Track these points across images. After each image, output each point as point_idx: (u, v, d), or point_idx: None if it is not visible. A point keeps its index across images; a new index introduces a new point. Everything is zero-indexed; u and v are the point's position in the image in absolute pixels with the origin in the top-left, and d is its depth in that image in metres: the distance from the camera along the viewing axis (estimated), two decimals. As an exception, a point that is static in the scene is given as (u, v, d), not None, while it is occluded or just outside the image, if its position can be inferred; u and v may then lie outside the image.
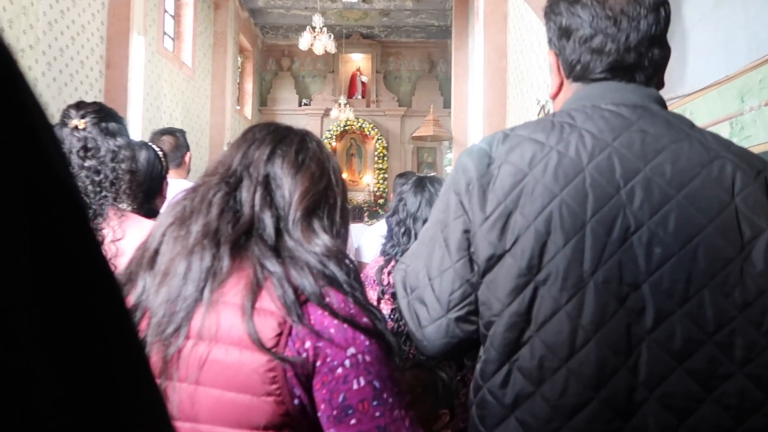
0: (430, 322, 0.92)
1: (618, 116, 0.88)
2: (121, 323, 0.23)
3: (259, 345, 0.74)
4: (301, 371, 0.75)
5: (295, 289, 0.77)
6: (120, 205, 1.46)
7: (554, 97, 1.02)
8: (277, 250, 0.81)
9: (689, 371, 0.79)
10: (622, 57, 0.91)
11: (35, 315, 0.18)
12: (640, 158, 0.84)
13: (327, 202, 0.88)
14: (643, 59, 0.91)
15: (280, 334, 0.74)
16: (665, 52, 0.93)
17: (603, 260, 0.81)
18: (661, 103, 0.92)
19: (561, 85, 0.99)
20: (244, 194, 0.85)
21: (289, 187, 0.85)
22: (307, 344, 0.75)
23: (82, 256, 0.21)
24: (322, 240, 0.83)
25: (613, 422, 0.79)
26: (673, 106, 2.83)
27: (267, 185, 0.85)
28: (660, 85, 0.96)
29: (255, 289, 0.76)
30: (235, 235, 0.81)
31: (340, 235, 0.91)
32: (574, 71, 0.95)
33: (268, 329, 0.74)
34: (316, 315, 0.76)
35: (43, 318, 0.19)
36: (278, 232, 0.82)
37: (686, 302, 0.79)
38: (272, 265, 0.78)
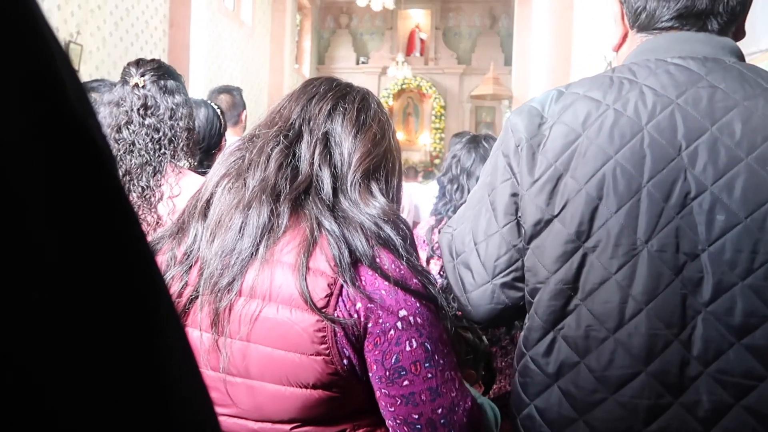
0: (476, 288, 0.90)
1: (684, 70, 0.81)
2: (140, 268, 0.22)
3: (310, 304, 0.73)
4: (352, 332, 0.75)
5: (349, 250, 0.76)
6: (178, 163, 1.50)
7: (617, 49, 0.95)
8: (333, 209, 0.80)
9: (749, 348, 0.74)
10: (693, 2, 0.83)
11: (50, 252, 0.18)
12: (706, 116, 0.77)
13: (386, 166, 0.87)
14: (717, 4, 0.83)
15: (330, 295, 0.74)
16: None
17: (659, 227, 0.76)
18: (738, 54, 0.84)
19: (625, 36, 0.92)
20: (303, 150, 0.83)
21: (348, 147, 0.84)
22: (359, 305, 0.74)
23: (99, 198, 0.21)
24: (379, 203, 0.81)
25: (663, 397, 0.76)
26: (756, 62, 2.61)
27: (326, 142, 0.84)
28: (740, 34, 0.87)
29: (309, 248, 0.76)
30: (295, 192, 0.80)
31: (396, 199, 0.90)
32: (638, 20, 0.88)
33: (318, 289, 0.74)
34: (368, 276, 0.76)
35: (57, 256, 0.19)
36: (334, 192, 0.81)
37: (750, 274, 0.73)
38: (329, 223, 0.77)
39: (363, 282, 0.75)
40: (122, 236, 0.21)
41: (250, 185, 0.81)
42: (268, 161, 0.82)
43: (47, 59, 0.20)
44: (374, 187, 0.83)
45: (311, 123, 0.85)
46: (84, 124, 0.21)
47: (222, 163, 0.88)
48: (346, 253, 0.75)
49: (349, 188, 0.82)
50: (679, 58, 0.82)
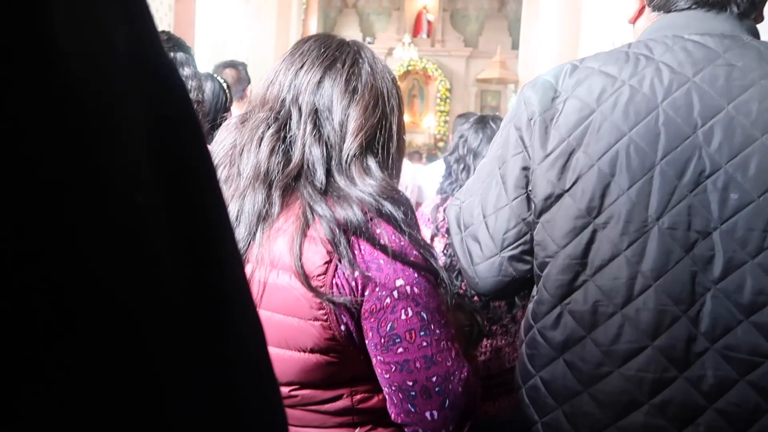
0: (483, 260, 0.90)
1: (702, 47, 0.80)
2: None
3: (307, 284, 0.74)
4: (350, 301, 0.75)
5: (345, 227, 0.76)
6: (186, 135, 1.49)
7: (633, 21, 0.94)
8: (327, 191, 0.79)
9: (757, 325, 0.74)
10: None
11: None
12: (723, 95, 0.76)
13: (382, 135, 0.84)
14: None
15: (326, 270, 0.75)
16: None
17: (671, 205, 0.76)
18: (755, 33, 0.83)
19: (642, 10, 0.91)
20: (294, 130, 0.82)
21: (339, 120, 0.81)
22: (356, 273, 0.75)
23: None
24: (376, 179, 0.80)
25: (668, 371, 0.76)
26: None
27: (316, 119, 0.82)
28: (759, 19, 0.86)
29: (304, 229, 0.76)
30: (286, 179, 0.79)
31: (396, 169, 0.88)
32: (654, 0, 0.87)
33: (317, 257, 0.75)
34: (367, 246, 0.76)
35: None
36: (329, 172, 0.80)
37: (761, 252, 0.74)
38: (321, 209, 0.76)
39: (362, 251, 0.75)
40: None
41: (243, 174, 0.81)
42: (259, 146, 0.81)
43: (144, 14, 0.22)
44: (371, 162, 0.82)
45: (299, 99, 0.82)
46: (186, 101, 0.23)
47: (215, 150, 0.86)
48: (338, 233, 0.75)
49: (344, 165, 0.80)
50: (697, 34, 0.81)
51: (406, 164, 3.26)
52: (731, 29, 0.81)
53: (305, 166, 0.80)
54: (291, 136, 0.82)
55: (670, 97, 0.78)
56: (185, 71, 1.51)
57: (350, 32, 12.57)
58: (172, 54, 1.50)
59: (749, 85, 0.76)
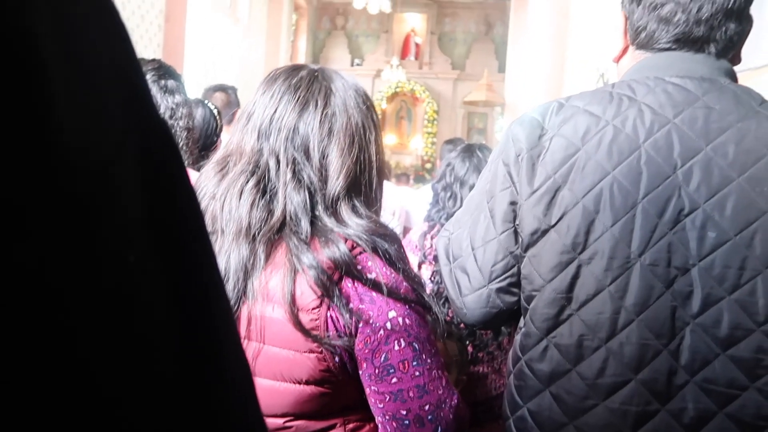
0: (471, 291, 0.92)
1: (682, 90, 0.84)
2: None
3: (302, 330, 0.75)
4: (343, 331, 0.77)
5: (333, 269, 0.76)
6: (177, 161, 1.51)
7: (617, 60, 0.98)
8: (314, 233, 0.79)
9: (734, 359, 0.77)
10: (691, 29, 0.86)
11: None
12: (701, 136, 0.80)
13: (364, 169, 0.84)
14: (714, 32, 0.86)
15: (322, 297, 0.76)
16: (743, 27, 0.87)
17: (652, 242, 0.79)
18: (732, 76, 0.87)
19: (625, 49, 0.95)
20: (273, 180, 0.81)
21: (319, 163, 0.81)
22: (350, 305, 0.77)
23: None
24: (365, 217, 0.81)
25: (651, 404, 0.79)
26: (745, 77, 2.66)
27: (295, 168, 0.81)
28: (735, 60, 0.90)
29: (293, 275, 0.77)
30: (269, 232, 0.80)
31: (379, 190, 0.88)
32: (638, 38, 0.91)
33: (310, 291, 0.76)
34: (358, 282, 0.77)
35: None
36: (314, 216, 0.80)
37: (737, 289, 0.77)
38: (308, 259, 0.77)
39: (355, 285, 0.77)
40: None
41: (226, 229, 0.81)
42: (239, 200, 0.81)
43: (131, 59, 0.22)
44: (356, 202, 0.82)
45: (276, 149, 0.82)
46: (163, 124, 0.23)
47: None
48: (327, 279, 0.76)
49: (331, 207, 0.81)
50: (677, 77, 0.85)
51: (395, 188, 3.27)
52: (710, 72, 0.85)
53: (288, 217, 0.80)
54: (271, 187, 0.81)
55: (652, 137, 0.81)
56: (175, 99, 1.52)
57: (339, 53, 12.69)
58: (162, 81, 1.52)
59: (726, 128, 0.80)
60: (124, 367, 0.19)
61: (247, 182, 0.81)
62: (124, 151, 0.21)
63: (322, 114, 0.83)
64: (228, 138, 0.89)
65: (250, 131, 0.85)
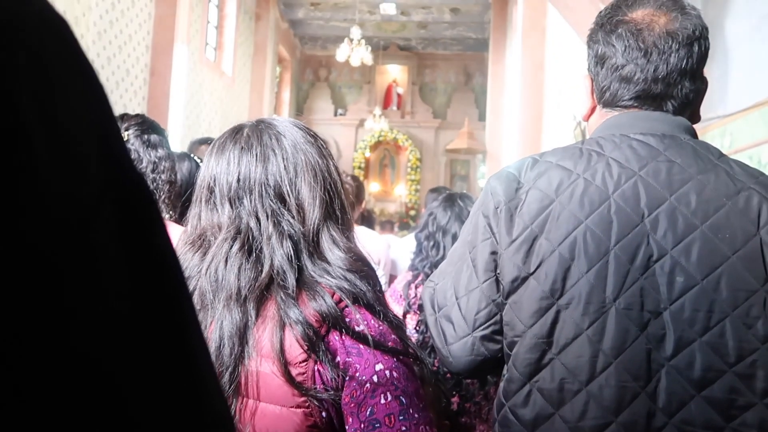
0: (456, 340, 0.95)
1: (645, 146, 0.90)
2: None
3: (291, 382, 0.76)
4: (330, 385, 0.77)
5: (320, 322, 0.78)
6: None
7: (586, 119, 1.05)
8: (300, 285, 0.81)
9: (708, 400, 0.80)
10: (650, 86, 0.93)
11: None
12: (665, 187, 0.86)
13: (332, 198, 0.87)
14: (671, 89, 0.93)
15: (309, 351, 0.77)
16: (698, 86, 0.94)
17: (625, 287, 0.83)
18: (691, 132, 0.94)
19: (593, 109, 1.02)
20: (257, 237, 0.84)
21: (294, 205, 0.84)
22: (338, 358, 0.78)
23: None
24: (344, 249, 0.84)
25: (631, 446, 0.81)
26: (713, 127, 2.78)
27: (276, 218, 0.84)
28: (695, 118, 0.97)
29: (282, 330, 0.79)
30: (258, 290, 0.82)
31: (351, 219, 0.91)
32: (604, 97, 0.98)
33: (297, 345, 0.77)
34: (345, 335, 0.79)
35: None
36: (300, 268, 0.82)
37: (707, 331, 0.81)
38: (294, 314, 0.79)
39: (342, 338, 0.78)
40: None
41: (216, 300, 0.82)
42: (226, 267, 0.82)
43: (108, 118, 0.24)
44: (333, 230, 0.85)
45: (253, 208, 0.84)
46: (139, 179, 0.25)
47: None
48: (313, 334, 0.77)
49: (313, 244, 0.83)
50: (641, 134, 0.92)
51: (379, 237, 3.30)
52: (670, 129, 0.92)
53: (275, 272, 0.82)
54: (256, 246, 0.83)
55: (620, 189, 0.87)
56: (158, 152, 1.56)
57: (322, 104, 12.96)
58: (145, 136, 1.55)
59: (688, 179, 0.86)
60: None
61: (231, 248, 0.83)
62: (102, 205, 0.22)
63: (283, 159, 0.86)
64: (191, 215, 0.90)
65: (219, 203, 0.86)
